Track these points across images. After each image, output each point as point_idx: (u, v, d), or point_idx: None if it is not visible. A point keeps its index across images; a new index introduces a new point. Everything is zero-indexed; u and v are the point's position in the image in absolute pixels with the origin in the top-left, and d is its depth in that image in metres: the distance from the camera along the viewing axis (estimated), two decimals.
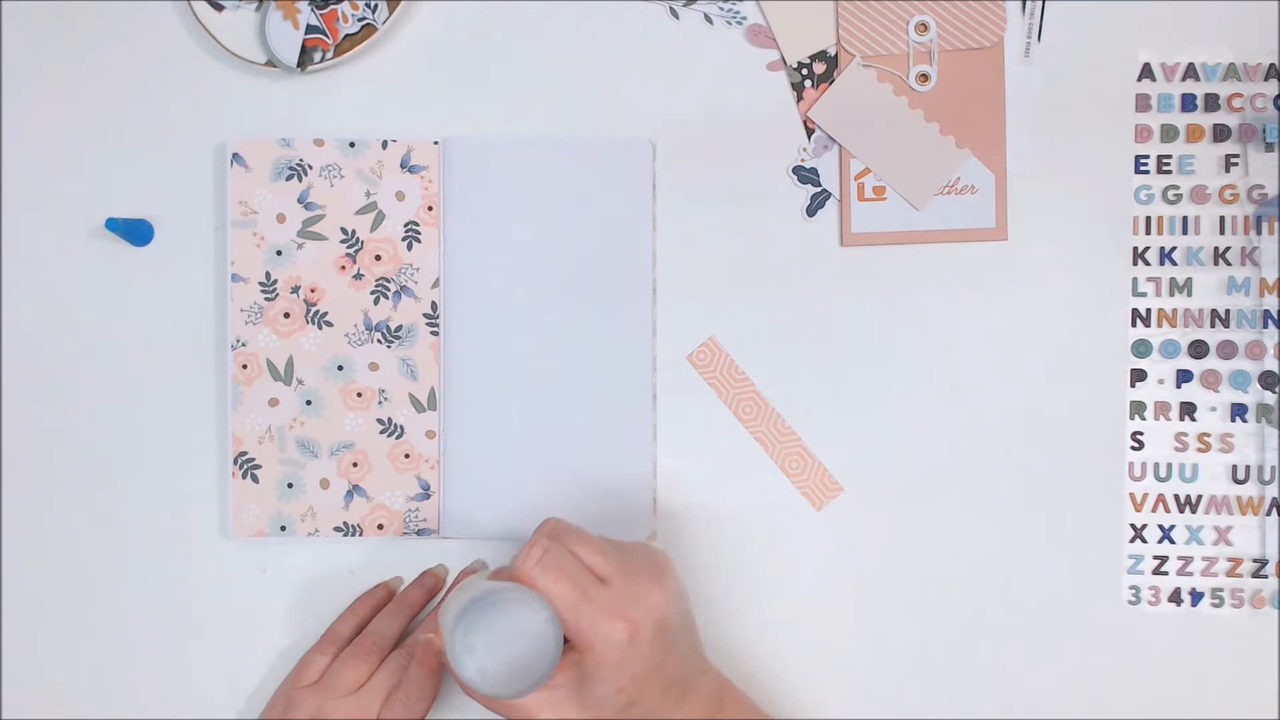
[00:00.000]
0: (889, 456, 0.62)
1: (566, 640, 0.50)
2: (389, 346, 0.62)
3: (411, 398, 0.62)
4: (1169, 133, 0.62)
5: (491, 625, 0.48)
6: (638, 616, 0.50)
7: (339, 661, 0.59)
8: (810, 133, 0.62)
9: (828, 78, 0.62)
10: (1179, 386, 0.62)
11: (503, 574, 0.52)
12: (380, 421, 0.62)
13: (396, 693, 0.58)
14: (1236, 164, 0.62)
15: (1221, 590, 0.61)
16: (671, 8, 0.63)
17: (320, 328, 0.62)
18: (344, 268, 0.62)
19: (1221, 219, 0.62)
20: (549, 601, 0.49)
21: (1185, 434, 0.62)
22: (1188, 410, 0.62)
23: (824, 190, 0.63)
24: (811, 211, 0.63)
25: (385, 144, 0.62)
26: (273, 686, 0.62)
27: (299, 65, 0.62)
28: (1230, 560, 0.61)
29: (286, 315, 0.62)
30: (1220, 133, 0.62)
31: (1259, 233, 0.61)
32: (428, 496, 0.62)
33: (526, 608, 0.48)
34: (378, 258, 0.62)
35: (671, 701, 0.52)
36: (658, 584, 0.52)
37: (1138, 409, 0.62)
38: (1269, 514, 0.61)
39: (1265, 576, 0.61)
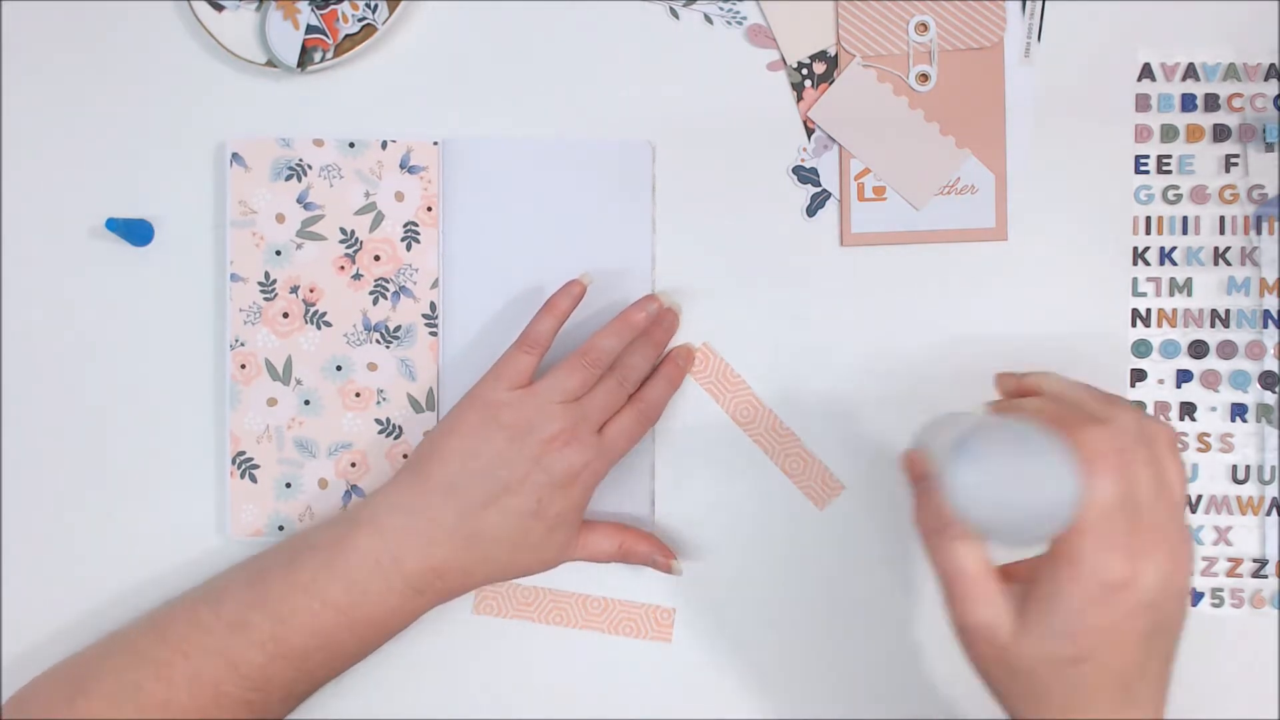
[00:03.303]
0: (890, 457, 0.62)
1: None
2: (387, 347, 0.62)
3: (410, 398, 0.62)
4: (1169, 133, 0.62)
5: (1008, 454, 0.41)
6: (1143, 569, 0.41)
7: (561, 368, 0.56)
8: (810, 133, 0.62)
9: (828, 78, 0.62)
10: (1179, 386, 0.62)
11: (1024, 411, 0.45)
12: (379, 421, 0.62)
13: (617, 418, 0.56)
14: (1236, 164, 0.62)
15: (1221, 590, 0.61)
16: (671, 8, 0.63)
17: (319, 328, 0.62)
18: (343, 268, 0.62)
19: (1221, 219, 0.62)
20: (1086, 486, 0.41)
21: (1185, 434, 0.62)
22: (1188, 410, 0.62)
23: (824, 190, 0.62)
24: (811, 211, 0.63)
25: (385, 144, 0.62)
26: None
27: (299, 65, 0.62)
28: (1230, 560, 0.61)
29: (285, 315, 0.62)
30: (1220, 133, 0.62)
31: (1259, 233, 0.61)
32: None
33: (1056, 458, 0.40)
34: (377, 258, 0.62)
35: (1115, 699, 0.43)
36: (1179, 554, 0.42)
37: None
38: (1269, 514, 0.61)
39: (1265, 576, 0.61)
